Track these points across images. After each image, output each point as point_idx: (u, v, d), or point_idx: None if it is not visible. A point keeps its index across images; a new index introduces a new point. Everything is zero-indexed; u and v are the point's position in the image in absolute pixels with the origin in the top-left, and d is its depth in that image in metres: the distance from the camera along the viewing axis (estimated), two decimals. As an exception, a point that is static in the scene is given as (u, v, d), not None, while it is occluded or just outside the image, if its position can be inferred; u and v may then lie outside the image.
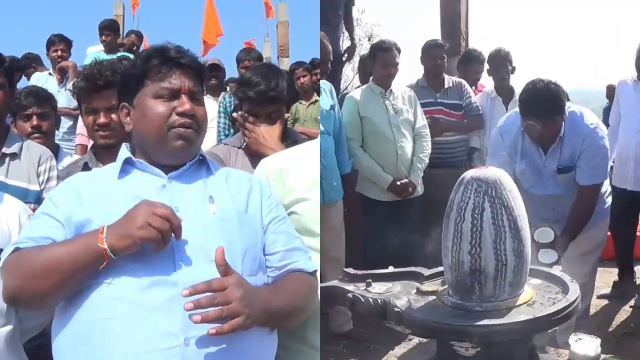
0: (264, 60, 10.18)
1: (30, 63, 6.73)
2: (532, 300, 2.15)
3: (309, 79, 6.34)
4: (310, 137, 2.99)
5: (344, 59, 6.06)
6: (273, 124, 2.87)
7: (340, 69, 5.29)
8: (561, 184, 3.59)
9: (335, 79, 4.73)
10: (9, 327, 1.99)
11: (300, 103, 6.14)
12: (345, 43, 6.33)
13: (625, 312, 4.59)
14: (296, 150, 2.66)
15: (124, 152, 2.02)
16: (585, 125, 3.50)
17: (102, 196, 1.90)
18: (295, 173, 2.43)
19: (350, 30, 6.26)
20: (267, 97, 2.85)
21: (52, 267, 1.73)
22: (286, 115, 3.08)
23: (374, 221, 4.62)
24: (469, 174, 2.12)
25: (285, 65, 14.19)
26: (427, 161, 4.66)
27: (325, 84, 4.25)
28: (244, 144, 2.97)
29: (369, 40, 16.25)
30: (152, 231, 1.70)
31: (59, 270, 1.72)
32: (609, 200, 3.80)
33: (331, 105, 4.20)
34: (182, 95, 1.96)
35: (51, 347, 1.86)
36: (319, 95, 3.98)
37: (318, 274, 2.24)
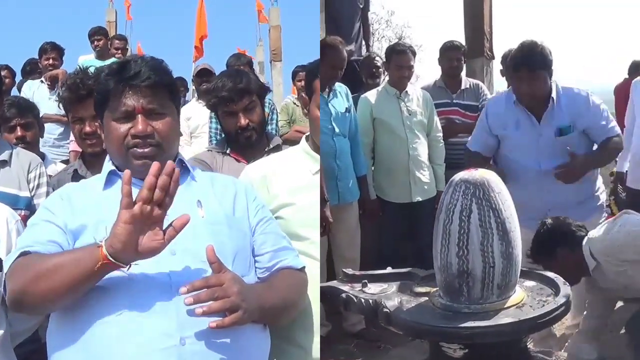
0: (256, 65, 10.14)
1: (37, 68, 6.76)
2: (522, 302, 2.15)
3: None
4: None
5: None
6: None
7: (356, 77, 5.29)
8: (558, 153, 3.62)
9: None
10: (0, 332, 2.03)
11: (297, 105, 6.19)
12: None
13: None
14: (280, 156, 2.74)
15: (107, 165, 2.08)
16: (580, 91, 3.69)
17: (93, 204, 1.96)
18: (279, 179, 2.50)
19: (368, 39, 6.26)
20: (238, 90, 2.99)
21: (56, 269, 1.76)
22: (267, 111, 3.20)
23: (389, 222, 4.64)
24: (458, 176, 2.14)
25: (278, 69, 14.27)
26: (444, 164, 4.75)
27: (340, 87, 4.28)
28: (228, 150, 3.07)
29: (399, 40, 16.31)
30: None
31: (60, 273, 1.74)
32: (602, 196, 3.84)
33: (346, 108, 4.24)
34: (138, 116, 1.97)
35: (44, 352, 1.91)
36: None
37: (318, 273, 2.32)
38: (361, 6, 5.91)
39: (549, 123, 3.63)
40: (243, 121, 3.00)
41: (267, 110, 4.82)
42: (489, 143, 3.85)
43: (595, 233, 3.10)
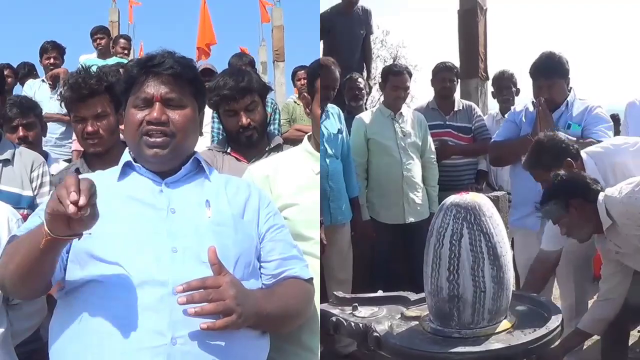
0: (260, 65, 10.04)
1: (31, 71, 6.75)
2: (514, 327, 2.14)
3: None
4: (306, 133, 3.03)
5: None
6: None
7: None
8: None
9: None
10: (1, 330, 2.05)
11: (297, 104, 6.21)
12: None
13: (632, 337, 4.48)
14: (282, 156, 2.73)
15: (126, 155, 2.08)
16: (592, 103, 3.94)
17: (102, 195, 1.94)
18: (282, 179, 2.50)
19: (369, 65, 6.27)
20: (240, 88, 2.98)
21: (17, 247, 1.78)
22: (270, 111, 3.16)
23: (382, 243, 4.62)
24: (449, 199, 2.13)
25: (280, 69, 14.24)
26: (437, 186, 4.73)
27: (333, 108, 4.26)
28: (229, 149, 3.06)
29: (394, 61, 16.39)
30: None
31: (20, 250, 1.75)
32: None
33: (338, 129, 4.22)
34: (155, 103, 1.98)
35: (45, 351, 1.90)
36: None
37: (316, 281, 2.25)
38: (363, 35, 5.92)
39: (557, 121, 3.82)
40: (244, 120, 2.98)
41: (269, 110, 4.79)
42: (514, 133, 4.06)
43: (614, 192, 2.97)
